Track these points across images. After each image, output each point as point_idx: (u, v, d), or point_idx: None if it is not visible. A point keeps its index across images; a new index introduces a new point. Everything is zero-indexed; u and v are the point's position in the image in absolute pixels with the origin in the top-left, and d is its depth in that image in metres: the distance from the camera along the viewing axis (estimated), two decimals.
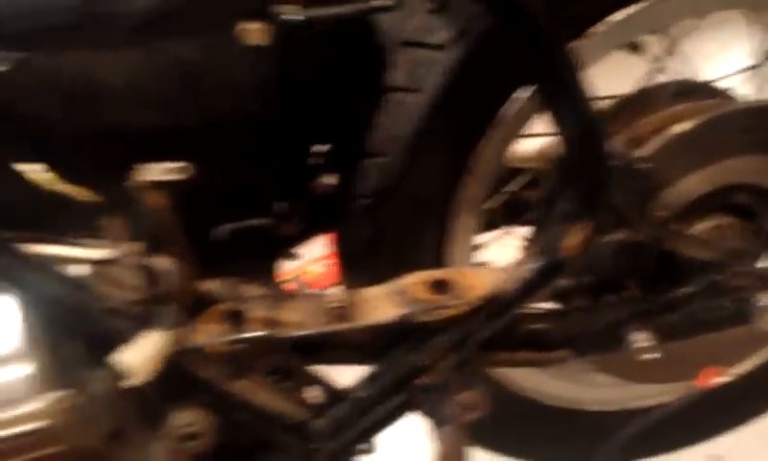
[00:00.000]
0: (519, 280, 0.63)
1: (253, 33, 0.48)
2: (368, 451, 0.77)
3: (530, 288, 0.63)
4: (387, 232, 0.75)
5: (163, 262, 0.62)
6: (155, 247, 0.56)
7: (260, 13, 0.48)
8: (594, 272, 0.70)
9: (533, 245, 0.71)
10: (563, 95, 0.57)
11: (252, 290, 0.69)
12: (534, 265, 0.63)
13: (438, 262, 0.78)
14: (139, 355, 0.58)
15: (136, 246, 0.59)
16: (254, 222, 0.69)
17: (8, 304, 0.58)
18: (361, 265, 0.78)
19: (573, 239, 0.60)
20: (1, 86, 0.46)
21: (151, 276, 0.61)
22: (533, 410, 0.95)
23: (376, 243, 0.76)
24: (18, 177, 0.51)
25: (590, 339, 0.72)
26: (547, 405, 0.95)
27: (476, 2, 0.61)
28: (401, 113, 0.71)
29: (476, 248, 0.85)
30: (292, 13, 0.49)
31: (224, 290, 0.66)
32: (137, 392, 0.60)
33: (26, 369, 0.58)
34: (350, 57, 0.69)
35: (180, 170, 0.50)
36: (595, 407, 0.97)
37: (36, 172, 0.49)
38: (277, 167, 0.66)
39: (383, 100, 0.71)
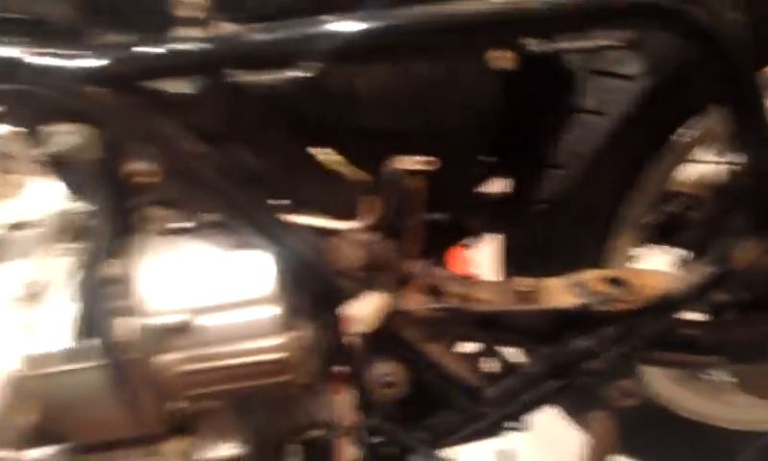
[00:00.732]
0: (690, 284, 0.72)
1: (502, 59, 0.60)
2: (519, 428, 0.88)
3: (699, 292, 0.72)
4: (558, 235, 0.86)
5: (382, 240, 0.75)
6: (391, 224, 0.69)
7: (510, 43, 0.60)
8: (751, 289, 0.78)
9: (703, 255, 0.79)
10: (749, 119, 0.66)
11: (443, 271, 0.81)
12: (705, 271, 0.72)
13: (596, 266, 0.88)
14: (365, 310, 0.72)
15: (368, 222, 0.72)
16: (449, 215, 0.81)
17: (265, 258, 0.73)
18: (529, 262, 0.89)
19: (745, 253, 0.69)
20: (307, 87, 0.60)
21: (374, 249, 0.74)
22: (662, 416, 1.03)
23: (547, 243, 0.87)
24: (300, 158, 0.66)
25: (740, 349, 0.79)
26: (677, 415, 1.03)
27: (670, 34, 0.69)
28: (585, 133, 0.81)
29: (630, 259, 0.94)
30: (540, 45, 0.61)
31: (422, 269, 0.78)
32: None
33: (274, 310, 0.73)
34: (546, 80, 0.80)
35: (428, 163, 0.63)
36: (725, 424, 1.03)
37: (325, 154, 0.63)
38: (478, 170, 0.78)
39: (569, 120, 0.82)
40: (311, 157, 0.69)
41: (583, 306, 0.73)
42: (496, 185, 0.88)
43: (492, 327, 0.76)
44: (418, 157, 0.63)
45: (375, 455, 0.87)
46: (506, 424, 0.86)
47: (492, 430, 0.86)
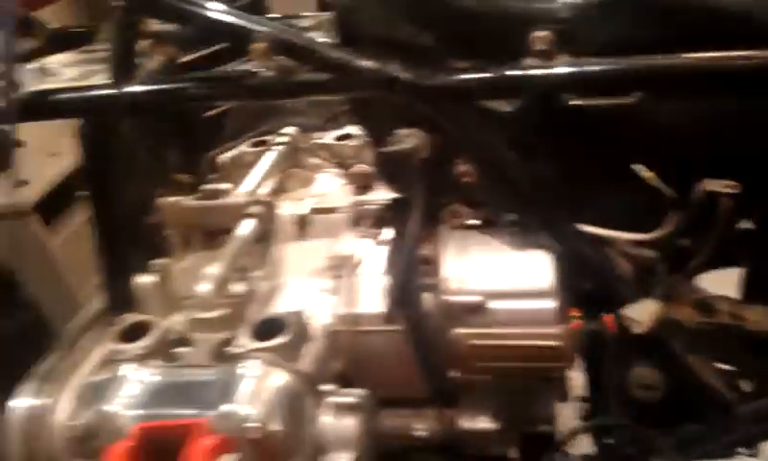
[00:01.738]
0: None
1: None
2: (753, 454, 0.92)
3: None
4: None
5: (656, 254, 0.84)
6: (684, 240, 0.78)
7: None
8: None
9: None
10: None
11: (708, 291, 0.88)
12: None
13: None
14: (642, 313, 0.80)
15: (661, 234, 0.81)
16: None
17: (547, 256, 0.84)
18: None
19: None
20: (630, 112, 0.71)
21: (646, 261, 0.83)
22: None
23: None
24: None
25: None
26: None
27: None
28: None
29: None
30: None
31: (690, 285, 0.86)
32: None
33: (552, 303, 0.83)
34: None
35: (734, 187, 0.71)
36: None
37: (645, 171, 0.74)
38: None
39: None
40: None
41: None
42: None
43: (760, 348, 0.81)
44: (726, 181, 0.72)
45: (611, 455, 0.95)
46: (742, 447, 0.91)
47: (729, 449, 0.91)
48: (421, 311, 0.85)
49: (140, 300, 0.91)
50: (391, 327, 0.86)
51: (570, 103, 0.74)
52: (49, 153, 2.16)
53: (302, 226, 1.03)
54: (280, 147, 1.17)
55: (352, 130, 1.21)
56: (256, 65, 0.78)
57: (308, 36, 0.78)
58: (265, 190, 1.07)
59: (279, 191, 1.12)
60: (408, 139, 0.82)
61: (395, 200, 0.95)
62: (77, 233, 1.91)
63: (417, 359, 0.86)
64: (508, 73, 0.72)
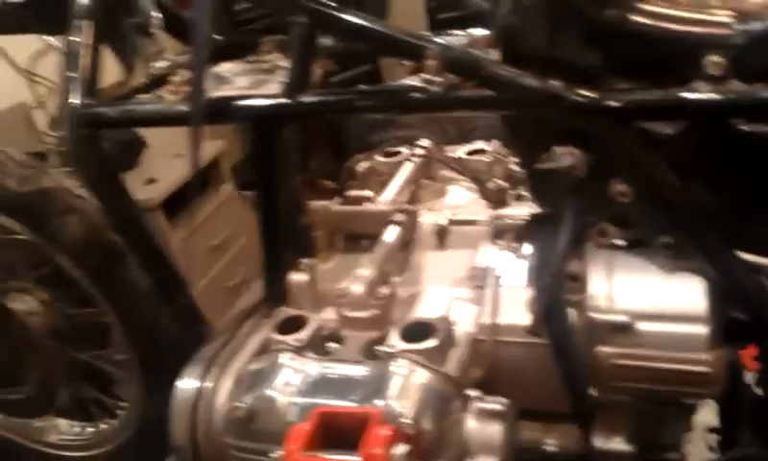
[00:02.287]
0: None
1: None
2: None
3: None
4: None
5: None
6: None
7: None
8: None
9: None
10: None
11: None
12: None
13: None
14: None
15: None
16: None
17: (700, 281, 0.83)
18: None
19: None
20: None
21: None
22: None
23: None
24: None
25: None
26: None
27: None
28: None
29: None
30: None
31: None
32: None
33: (703, 328, 0.82)
34: None
35: None
36: None
37: None
38: None
39: None
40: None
41: None
42: None
43: None
44: None
45: None
46: None
47: None
48: (567, 327, 0.86)
49: (292, 294, 0.97)
50: (535, 340, 0.88)
51: (739, 128, 0.74)
52: (175, 154, 2.32)
53: (441, 236, 1.06)
54: (416, 158, 1.21)
55: (483, 145, 1.25)
56: (421, 80, 0.82)
57: (475, 54, 0.82)
58: (403, 199, 1.12)
59: (414, 201, 1.16)
60: (564, 157, 0.83)
61: (538, 215, 0.97)
62: (194, 231, 2.03)
63: (558, 374, 0.88)
64: (681, 95, 0.73)
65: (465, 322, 0.91)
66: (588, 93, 0.78)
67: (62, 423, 1.51)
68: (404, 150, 1.25)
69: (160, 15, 0.95)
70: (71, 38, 0.90)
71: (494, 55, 0.85)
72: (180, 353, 1.27)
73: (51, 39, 1.01)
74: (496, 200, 1.11)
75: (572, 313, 0.87)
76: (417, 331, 0.85)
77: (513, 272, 0.95)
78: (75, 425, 1.51)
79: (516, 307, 0.91)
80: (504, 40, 0.83)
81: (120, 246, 1.21)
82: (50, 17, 0.99)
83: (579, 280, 0.87)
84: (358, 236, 1.07)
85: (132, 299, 1.22)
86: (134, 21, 0.96)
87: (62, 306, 1.34)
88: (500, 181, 1.11)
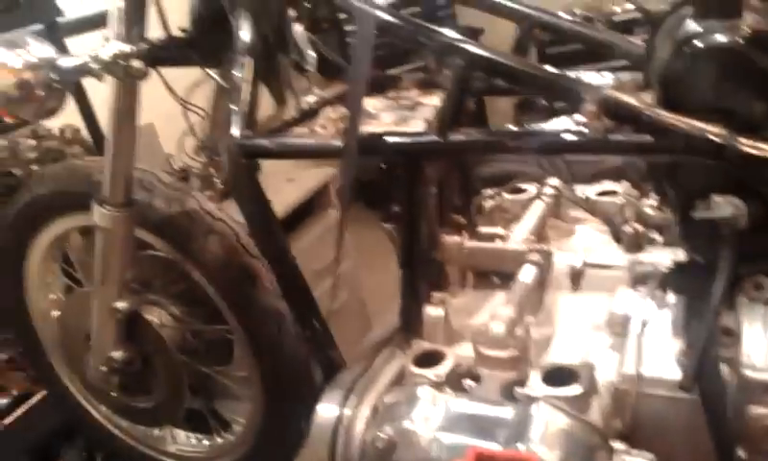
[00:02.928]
0: None
1: None
2: None
3: None
4: None
5: None
6: None
7: None
8: None
9: None
10: None
11: None
12: None
13: None
14: None
15: None
16: None
17: None
18: None
19: None
20: None
21: None
22: None
23: None
24: None
25: None
26: None
27: None
28: None
29: None
30: None
31: None
32: None
33: None
34: None
35: None
36: None
37: None
38: None
39: None
40: None
41: None
42: None
43: None
44: None
45: None
46: None
47: None
48: (720, 384, 0.82)
49: (427, 327, 0.98)
50: (684, 395, 0.84)
51: None
52: (288, 179, 2.41)
53: (576, 278, 1.05)
54: (545, 197, 1.20)
55: (613, 185, 1.22)
56: (575, 122, 0.82)
57: (635, 98, 0.81)
58: (533, 238, 1.11)
59: (543, 240, 1.15)
60: (724, 207, 0.81)
61: (683, 263, 0.94)
62: (302, 252, 2.09)
63: (706, 431, 0.84)
64: None
65: (606, 370, 0.89)
66: (755, 143, 0.75)
67: (181, 434, 1.58)
68: (533, 187, 1.24)
69: (314, 54, 0.99)
70: (234, 73, 0.96)
71: (648, 98, 0.84)
72: (303, 375, 1.31)
73: (210, 72, 1.07)
74: (632, 244, 1.08)
75: (724, 369, 0.84)
76: (559, 376, 0.83)
77: (657, 321, 0.92)
78: (192, 437, 1.57)
79: (661, 359, 0.88)
80: (664, 87, 0.82)
81: (254, 268, 1.27)
82: (210, 52, 1.06)
83: (732, 335, 0.84)
84: (489, 273, 1.07)
85: (261, 319, 1.27)
86: (290, 58, 1.01)
87: (192, 321, 1.41)
88: (637, 225, 1.09)
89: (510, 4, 1.12)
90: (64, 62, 0.91)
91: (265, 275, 1.29)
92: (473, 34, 3.24)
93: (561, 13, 1.14)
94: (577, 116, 0.82)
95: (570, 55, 1.80)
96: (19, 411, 1.77)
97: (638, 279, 1.00)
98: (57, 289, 1.53)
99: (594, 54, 1.13)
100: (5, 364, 1.87)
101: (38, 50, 0.92)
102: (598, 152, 0.83)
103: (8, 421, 1.74)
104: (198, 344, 1.45)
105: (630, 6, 3.03)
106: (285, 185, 2.36)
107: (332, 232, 2.62)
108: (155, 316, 1.40)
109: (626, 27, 2.93)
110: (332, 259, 2.54)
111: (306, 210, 2.48)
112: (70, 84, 0.96)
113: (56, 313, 1.53)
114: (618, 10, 3.09)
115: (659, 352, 0.88)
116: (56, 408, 1.70)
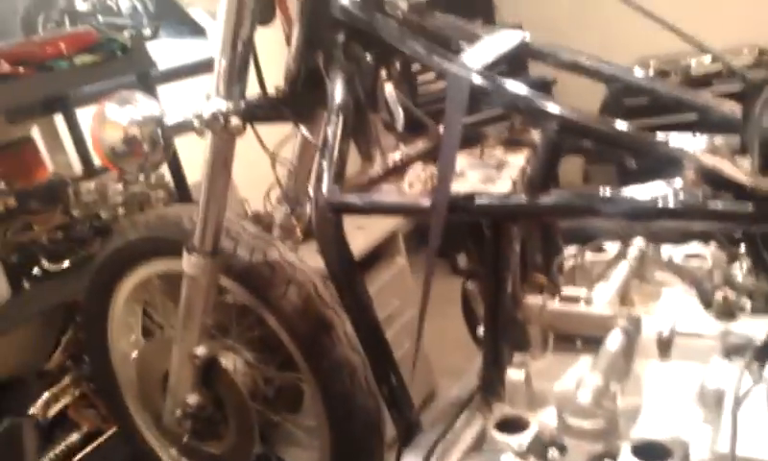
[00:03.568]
0: None
1: None
2: None
3: None
4: None
5: None
6: None
7: None
8: None
9: None
10: None
11: None
12: None
13: None
14: None
15: None
16: None
17: None
18: None
19: None
20: None
21: None
22: None
23: None
24: None
25: None
26: None
27: None
28: None
29: None
30: None
31: None
32: None
33: None
34: None
35: None
36: None
37: None
38: None
39: None
40: None
41: None
42: None
43: None
44: None
45: None
46: None
47: None
48: None
49: (509, 390, 0.96)
50: None
51: None
52: (358, 226, 2.45)
53: (664, 345, 1.01)
54: (630, 258, 1.17)
55: (701, 248, 1.18)
56: (671, 188, 0.80)
57: (733, 166, 0.79)
58: (618, 302, 1.08)
59: (627, 303, 1.12)
60: None
61: None
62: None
63: None
64: None
65: (699, 447, 0.85)
66: None
67: None
68: (615, 246, 1.22)
69: (402, 112, 1.01)
70: (325, 130, 0.98)
71: (745, 163, 0.82)
72: (373, 430, 1.30)
73: (301, 128, 1.11)
74: (723, 311, 1.04)
75: None
76: (650, 451, 0.80)
77: (752, 397, 0.88)
78: None
79: (758, 438, 0.83)
80: (766, 154, 0.79)
81: (330, 318, 1.28)
82: (302, 110, 1.09)
83: None
84: (573, 336, 1.05)
85: (334, 369, 1.27)
86: (379, 116, 1.04)
87: (265, 368, 1.43)
88: (728, 291, 1.05)
89: (590, 63, 1.11)
90: (169, 119, 0.96)
91: (340, 326, 1.30)
92: (546, 85, 3.25)
93: (637, 70, 1.13)
94: (674, 181, 0.80)
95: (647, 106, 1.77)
96: (89, 448, 1.82)
97: (732, 350, 0.95)
98: (137, 331, 1.57)
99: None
100: (78, 400, 1.93)
101: (147, 107, 0.97)
102: (696, 219, 0.80)
103: (78, 457, 1.80)
104: (269, 391, 1.46)
105: (706, 60, 2.99)
106: (355, 232, 2.39)
107: (398, 280, 2.64)
108: (229, 362, 1.43)
109: (704, 81, 2.90)
110: (398, 306, 2.54)
111: (375, 257, 2.50)
112: (173, 139, 1.00)
113: (134, 354, 1.57)
114: (693, 63, 3.04)
115: (755, 431, 0.84)
116: (125, 447, 1.74)
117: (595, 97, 2.68)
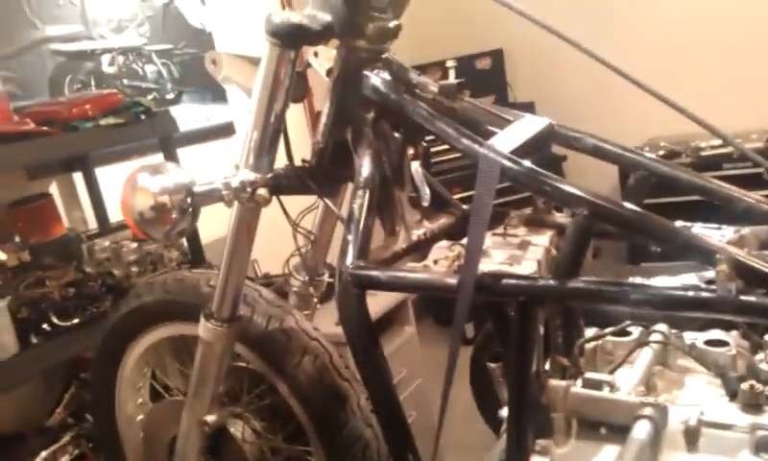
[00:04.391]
0: None
1: None
2: None
3: None
4: None
5: None
6: None
7: None
8: None
9: None
10: None
11: None
12: None
13: None
14: None
15: None
16: None
17: None
18: None
19: None
20: None
21: None
22: None
23: None
24: None
25: None
26: None
27: None
28: None
29: None
30: None
31: None
32: None
33: None
34: None
35: None
36: None
37: None
38: None
39: None
40: None
41: None
42: None
43: None
44: None
45: None
46: None
47: None
48: None
49: None
50: None
51: None
52: (367, 292, 2.43)
53: (691, 437, 0.98)
54: (652, 343, 1.15)
55: (723, 335, 1.17)
56: (702, 280, 0.79)
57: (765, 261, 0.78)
58: (643, 389, 1.06)
59: (649, 390, 1.10)
60: None
61: None
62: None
63: None
64: None
65: None
66: None
67: None
68: (638, 331, 1.20)
69: (428, 190, 1.02)
70: (352, 204, 0.99)
71: None
72: None
73: (326, 201, 1.11)
74: (750, 403, 1.02)
75: None
76: None
77: None
78: None
79: None
80: None
81: (344, 390, 1.25)
82: (327, 183, 1.10)
83: None
84: (597, 423, 1.02)
85: (346, 442, 1.24)
86: (405, 193, 1.04)
87: (273, 438, 1.39)
88: (756, 384, 1.03)
89: (613, 149, 1.12)
90: (198, 189, 0.97)
91: (355, 398, 1.27)
92: (557, 161, 3.28)
93: (661, 160, 1.13)
94: (705, 274, 0.80)
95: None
96: None
97: (761, 446, 0.93)
98: (144, 393, 1.55)
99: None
100: (77, 459, 1.89)
101: (177, 176, 0.98)
102: (727, 313, 0.79)
103: None
104: None
105: (716, 141, 3.02)
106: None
107: (407, 349, 2.61)
108: (238, 430, 1.39)
109: (715, 162, 2.93)
110: (405, 375, 2.50)
111: (383, 324, 2.48)
112: (200, 208, 1.01)
113: (140, 417, 1.54)
114: (703, 145, 3.08)
115: None
116: None
117: (606, 171, 2.71)
